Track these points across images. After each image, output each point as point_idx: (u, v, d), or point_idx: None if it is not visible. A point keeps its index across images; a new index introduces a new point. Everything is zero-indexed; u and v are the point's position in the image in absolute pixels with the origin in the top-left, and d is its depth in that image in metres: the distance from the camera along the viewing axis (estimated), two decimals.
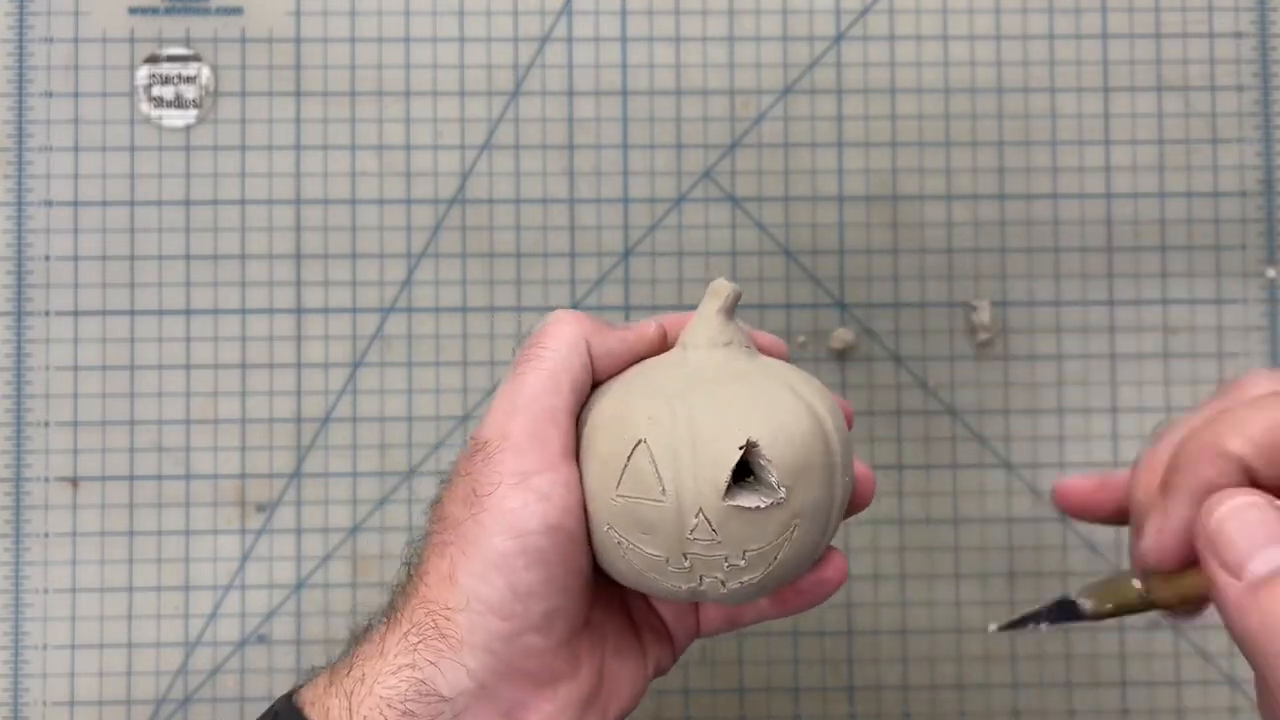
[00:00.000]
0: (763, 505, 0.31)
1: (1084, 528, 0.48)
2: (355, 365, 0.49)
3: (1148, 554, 0.32)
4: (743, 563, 0.32)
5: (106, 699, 0.48)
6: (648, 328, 0.36)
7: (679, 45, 0.50)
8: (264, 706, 0.34)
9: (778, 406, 0.32)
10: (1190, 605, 0.32)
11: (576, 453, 0.33)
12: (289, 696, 0.33)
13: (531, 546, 0.31)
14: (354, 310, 0.49)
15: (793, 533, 0.32)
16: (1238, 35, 0.51)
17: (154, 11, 0.50)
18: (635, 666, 0.35)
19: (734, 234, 0.50)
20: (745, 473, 0.32)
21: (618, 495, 0.32)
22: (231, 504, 0.49)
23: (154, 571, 0.48)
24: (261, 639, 0.48)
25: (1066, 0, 0.50)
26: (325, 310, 0.49)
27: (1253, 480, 0.30)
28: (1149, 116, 0.50)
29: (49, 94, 0.49)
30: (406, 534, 0.49)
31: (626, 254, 0.50)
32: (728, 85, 0.50)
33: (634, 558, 0.32)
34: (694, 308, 0.36)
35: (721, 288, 0.35)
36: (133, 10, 0.50)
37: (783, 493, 0.31)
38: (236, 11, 0.50)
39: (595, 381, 0.35)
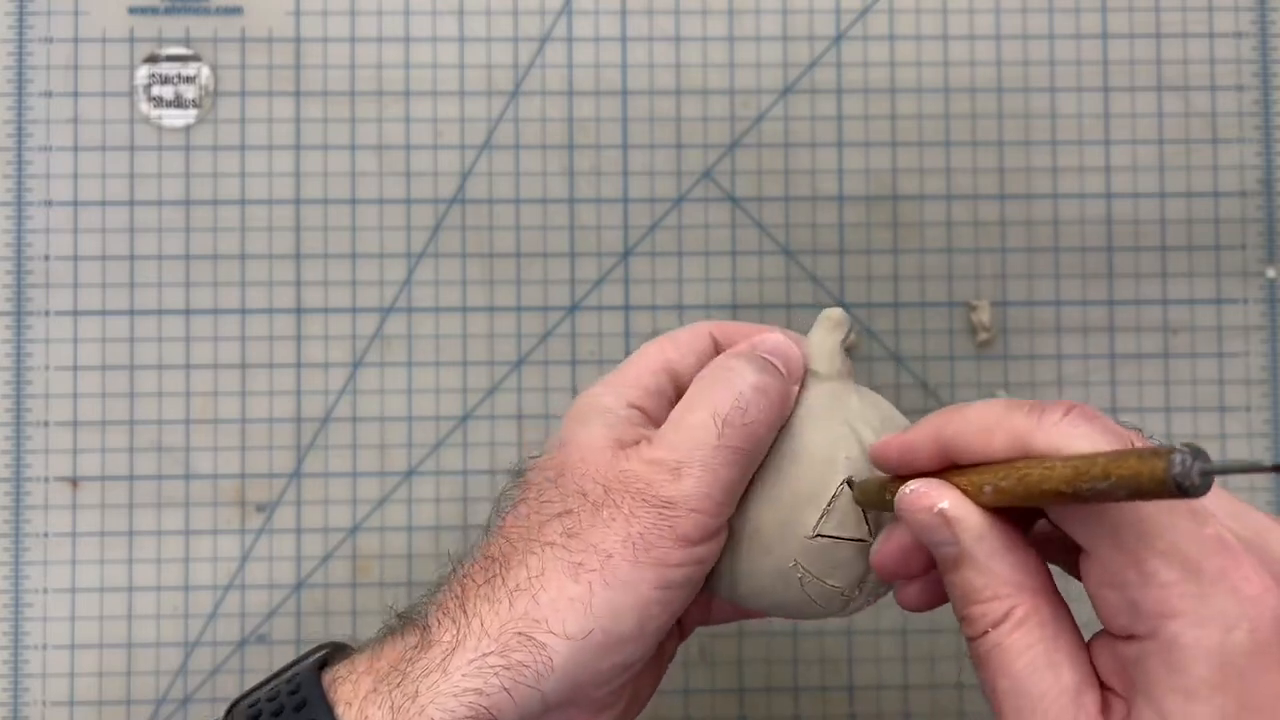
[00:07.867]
0: None
1: None
2: (355, 365, 0.49)
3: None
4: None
5: (106, 699, 0.48)
6: (790, 382, 0.35)
7: (679, 45, 0.50)
8: None
9: None
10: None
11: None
12: (317, 671, 0.32)
13: (671, 597, 0.32)
14: (354, 310, 0.49)
15: None
16: (1238, 35, 0.50)
17: (154, 11, 0.50)
18: (656, 670, 0.37)
19: (734, 234, 0.50)
20: None
21: (818, 535, 0.33)
22: (231, 504, 0.49)
23: (154, 571, 0.48)
24: (261, 639, 0.48)
25: (1066, 0, 0.50)
26: (325, 310, 0.49)
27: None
28: (1149, 116, 0.50)
29: (49, 94, 0.49)
30: (406, 534, 0.49)
31: (626, 254, 0.50)
32: (728, 85, 0.50)
33: (813, 591, 0.33)
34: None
35: (842, 318, 0.35)
36: (132, 10, 0.50)
37: None
38: (236, 11, 0.50)
39: None
